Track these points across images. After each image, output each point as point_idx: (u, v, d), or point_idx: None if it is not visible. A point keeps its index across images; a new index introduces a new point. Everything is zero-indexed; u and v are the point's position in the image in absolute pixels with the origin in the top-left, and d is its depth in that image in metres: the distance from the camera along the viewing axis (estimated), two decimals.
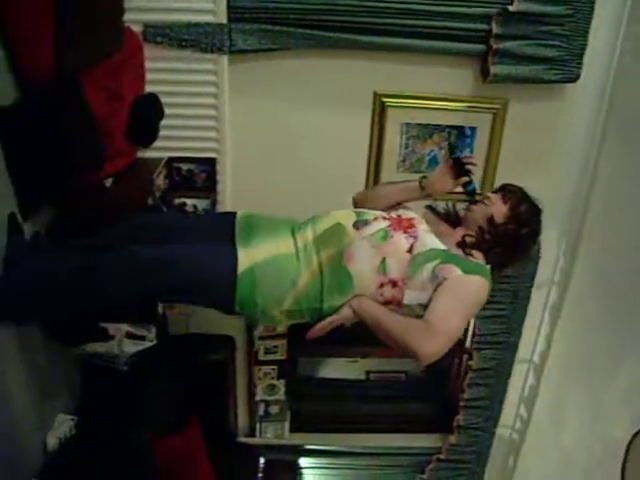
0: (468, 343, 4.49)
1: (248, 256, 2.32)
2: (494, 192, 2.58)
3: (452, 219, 2.67)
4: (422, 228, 2.42)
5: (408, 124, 3.74)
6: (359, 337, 4.50)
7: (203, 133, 3.64)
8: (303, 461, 4.85)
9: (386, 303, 2.33)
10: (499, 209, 2.48)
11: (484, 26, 3.41)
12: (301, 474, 4.86)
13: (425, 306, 2.26)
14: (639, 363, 3.31)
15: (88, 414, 3.50)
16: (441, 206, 2.75)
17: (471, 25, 3.41)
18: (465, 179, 2.51)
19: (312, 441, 4.86)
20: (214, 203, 3.77)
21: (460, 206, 2.67)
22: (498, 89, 3.64)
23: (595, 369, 3.72)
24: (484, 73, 3.55)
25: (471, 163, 2.53)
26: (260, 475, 4.62)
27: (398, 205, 2.67)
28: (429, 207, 2.75)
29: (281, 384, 4.56)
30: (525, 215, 2.48)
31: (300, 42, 3.41)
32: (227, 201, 3.80)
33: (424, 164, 3.84)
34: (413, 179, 2.68)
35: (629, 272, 3.47)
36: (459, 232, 2.53)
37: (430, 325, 2.13)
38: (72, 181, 2.94)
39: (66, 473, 3.10)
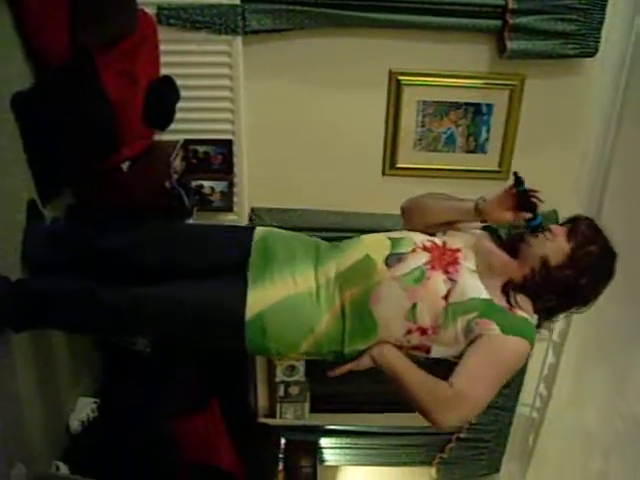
0: None
1: (259, 298, 2.09)
2: (561, 224, 2.18)
3: (512, 246, 2.21)
4: (466, 267, 2.08)
5: (424, 102, 3.72)
6: None
7: (219, 115, 3.63)
8: (323, 441, 4.87)
9: (413, 348, 2.12)
10: (559, 247, 2.08)
11: (500, 1, 3.37)
12: (321, 454, 4.89)
13: (457, 356, 2.05)
14: None
15: (110, 396, 3.52)
16: (503, 230, 2.38)
17: (487, 0, 3.37)
18: (528, 215, 2.08)
19: (332, 421, 4.87)
20: (231, 185, 3.77)
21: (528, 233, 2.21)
22: (515, 65, 3.61)
23: (616, 346, 3.70)
24: (500, 49, 3.52)
25: (538, 198, 2.07)
26: (281, 455, 4.65)
27: (449, 224, 2.29)
28: (487, 228, 2.32)
29: (301, 365, 4.56)
30: (589, 260, 2.07)
31: (314, 21, 3.39)
32: (244, 183, 3.80)
33: (441, 143, 3.82)
34: (469, 199, 2.23)
35: None
36: (512, 268, 2.14)
37: (455, 392, 1.90)
38: (89, 165, 2.96)
39: (89, 456, 3.12)
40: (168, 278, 2.23)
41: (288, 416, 4.76)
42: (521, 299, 2.08)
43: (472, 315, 2.00)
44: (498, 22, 3.42)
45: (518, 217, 2.10)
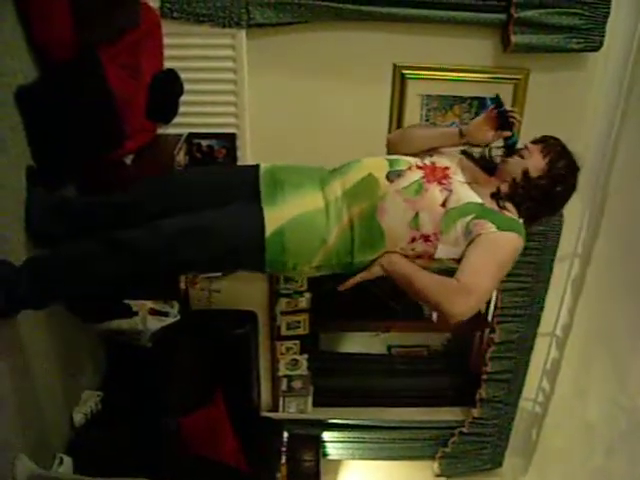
0: (490, 316, 4.48)
1: (275, 217, 2.26)
2: (533, 142, 2.46)
3: (488, 166, 2.53)
4: (457, 179, 2.33)
5: (428, 96, 3.72)
6: (380, 311, 4.56)
7: (222, 108, 3.63)
8: (326, 435, 4.87)
9: (417, 257, 2.32)
10: (536, 162, 2.37)
11: None
12: (324, 448, 4.89)
13: (457, 260, 2.24)
14: None
15: (114, 390, 3.53)
16: (477, 151, 2.62)
17: None
18: (507, 133, 2.40)
19: (335, 415, 4.88)
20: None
21: (496, 152, 2.57)
22: (519, 59, 3.60)
23: (618, 340, 3.70)
24: (505, 43, 3.52)
25: (515, 118, 2.42)
26: (284, 449, 4.66)
27: (432, 150, 2.52)
28: (465, 152, 2.59)
29: (304, 359, 4.57)
30: (562, 171, 2.37)
31: (318, 15, 3.39)
32: None
33: None
34: (452, 128, 2.59)
35: None
36: (494, 182, 2.42)
37: (462, 285, 2.11)
38: (93, 159, 2.96)
39: (93, 449, 3.13)
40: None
41: (291, 410, 4.77)
42: (508, 205, 2.35)
43: (469, 217, 2.22)
44: (502, 16, 3.42)
45: (498, 136, 2.42)
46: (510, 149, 2.44)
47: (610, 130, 3.78)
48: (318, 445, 4.80)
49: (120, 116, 2.86)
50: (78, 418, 3.25)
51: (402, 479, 4.97)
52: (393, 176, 2.30)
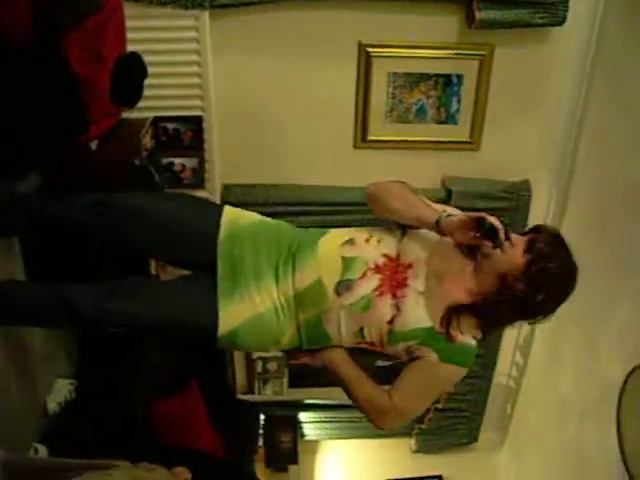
0: None
1: (230, 317, 2.23)
2: (523, 234, 2.14)
3: (471, 252, 2.15)
4: (413, 288, 2.12)
5: (395, 74, 3.70)
6: None
7: (187, 91, 3.61)
8: (303, 416, 4.90)
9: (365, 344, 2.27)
10: (515, 259, 2.02)
11: None
12: (301, 429, 4.92)
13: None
14: (633, 303, 3.33)
15: (86, 378, 3.51)
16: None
17: None
18: (489, 244, 2.00)
19: (311, 396, 4.90)
20: (202, 161, 3.75)
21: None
22: (484, 35, 3.60)
23: (589, 312, 3.73)
24: (469, 19, 3.51)
25: (499, 228, 1.97)
26: (261, 431, 4.67)
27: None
28: None
29: None
30: (544, 277, 2.01)
31: None
32: (215, 159, 3.78)
33: (412, 114, 3.82)
34: (434, 208, 2.19)
35: (621, 213, 3.47)
36: (467, 275, 2.13)
37: (392, 405, 2.15)
38: (58, 145, 2.92)
39: (67, 437, 3.12)
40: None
41: (267, 392, 4.76)
42: (464, 321, 2.10)
43: (413, 342, 2.13)
44: None
45: (478, 242, 2.05)
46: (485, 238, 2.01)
47: (576, 104, 3.80)
48: (295, 426, 4.83)
49: (84, 101, 2.82)
50: (52, 407, 3.24)
51: (380, 457, 5.00)
52: (342, 289, 2.16)
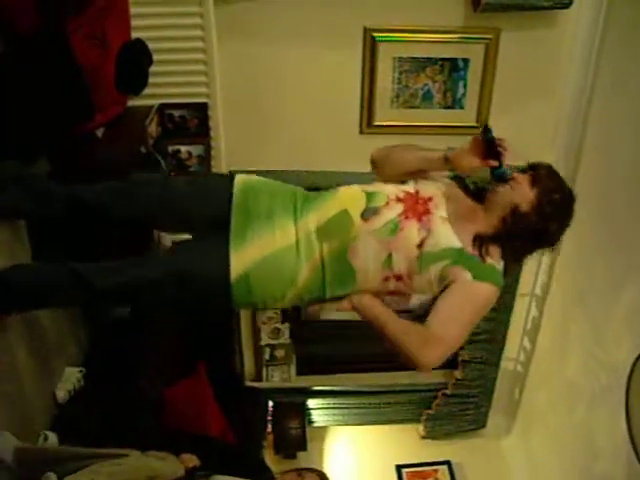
0: None
1: (242, 259, 2.18)
2: (522, 171, 2.26)
3: (479, 194, 2.33)
4: (438, 215, 2.20)
5: (400, 58, 3.68)
6: None
7: (193, 78, 3.59)
8: (311, 402, 4.90)
9: (390, 293, 2.25)
10: (525, 194, 2.17)
11: None
12: (309, 415, 4.92)
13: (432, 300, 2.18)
14: (638, 286, 3.32)
15: (96, 365, 3.52)
16: (469, 180, 2.45)
17: None
18: (494, 162, 2.17)
19: (319, 383, 4.92)
20: (208, 148, 3.75)
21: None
22: (490, 19, 3.58)
23: (596, 296, 3.73)
24: (475, 3, 3.49)
25: (504, 147, 2.16)
26: (269, 418, 4.68)
27: (418, 173, 2.36)
28: (455, 177, 2.42)
29: (285, 328, 4.58)
30: (554, 205, 2.17)
31: None
32: (221, 146, 3.77)
33: (418, 99, 3.80)
34: (439, 148, 2.34)
35: (626, 197, 3.46)
36: (481, 214, 2.25)
37: (431, 334, 2.06)
38: (64, 133, 2.92)
39: (77, 424, 3.13)
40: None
41: (275, 379, 4.78)
42: (491, 248, 2.19)
43: (445, 262, 2.12)
44: None
45: (484, 164, 2.20)
46: (497, 180, 2.23)
47: (583, 87, 3.77)
48: (303, 413, 4.83)
49: (89, 88, 2.82)
50: (61, 394, 3.24)
51: (388, 443, 5.01)
52: (368, 214, 2.19)
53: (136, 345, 3.58)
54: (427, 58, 3.70)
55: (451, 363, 4.79)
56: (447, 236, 2.16)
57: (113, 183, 2.45)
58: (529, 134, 3.90)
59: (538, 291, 4.51)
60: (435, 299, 2.17)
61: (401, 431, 5.02)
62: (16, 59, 2.65)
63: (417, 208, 2.20)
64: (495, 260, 2.19)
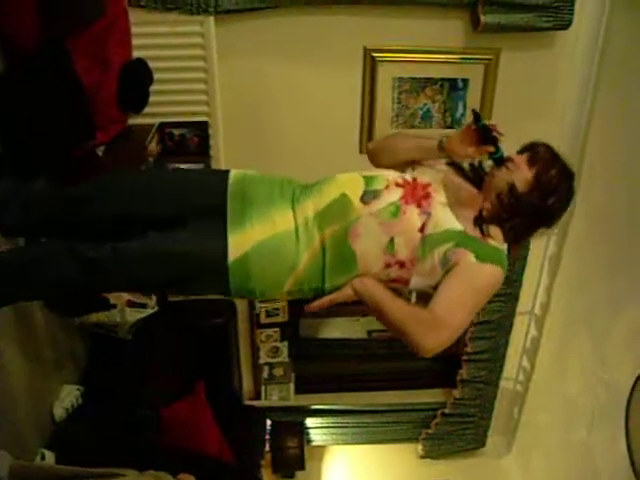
0: None
1: (240, 242, 2.12)
2: (520, 152, 2.22)
3: (477, 178, 2.31)
4: (438, 200, 2.16)
5: (400, 78, 3.70)
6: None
7: (193, 97, 3.60)
8: (309, 421, 4.89)
9: (392, 281, 2.19)
10: (523, 175, 2.13)
11: None
12: (308, 434, 4.91)
13: (434, 287, 2.12)
14: (639, 306, 3.32)
15: (94, 383, 3.52)
16: (466, 162, 2.40)
17: None
18: (490, 148, 2.14)
19: (317, 402, 4.90)
20: (208, 167, 3.74)
21: (487, 163, 2.31)
22: (489, 39, 3.59)
23: (596, 316, 3.73)
24: (475, 23, 3.51)
25: (498, 132, 2.12)
26: (267, 437, 4.66)
27: (415, 161, 2.34)
28: (452, 164, 2.38)
29: (284, 346, 4.57)
30: (553, 181, 2.14)
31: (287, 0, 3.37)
32: (221, 164, 3.76)
33: (417, 119, 3.82)
34: (433, 137, 2.32)
35: (627, 217, 3.46)
36: (479, 199, 2.22)
37: (435, 317, 2.00)
38: (64, 151, 2.92)
39: (75, 443, 3.12)
40: (142, 228, 2.22)
41: (273, 397, 4.78)
42: (492, 229, 2.16)
43: (448, 245, 2.08)
44: None
45: (481, 151, 2.17)
46: (497, 163, 2.19)
47: (582, 108, 3.79)
48: (302, 432, 4.81)
49: (90, 107, 2.83)
50: (59, 413, 3.24)
51: (387, 462, 4.99)
52: (368, 197, 2.14)
53: (135, 364, 3.57)
54: (427, 78, 3.72)
55: (450, 382, 4.79)
56: (448, 219, 2.13)
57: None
58: None
59: (537, 310, 4.51)
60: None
61: (400, 450, 5.00)
62: (18, 78, 2.66)
63: (416, 193, 2.17)
64: (498, 242, 2.17)
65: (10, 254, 2.43)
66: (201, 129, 3.68)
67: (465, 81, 3.74)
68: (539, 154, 2.18)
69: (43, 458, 2.95)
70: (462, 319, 2.06)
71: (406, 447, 5.02)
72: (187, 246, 2.15)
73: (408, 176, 2.25)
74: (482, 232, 2.15)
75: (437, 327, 2.00)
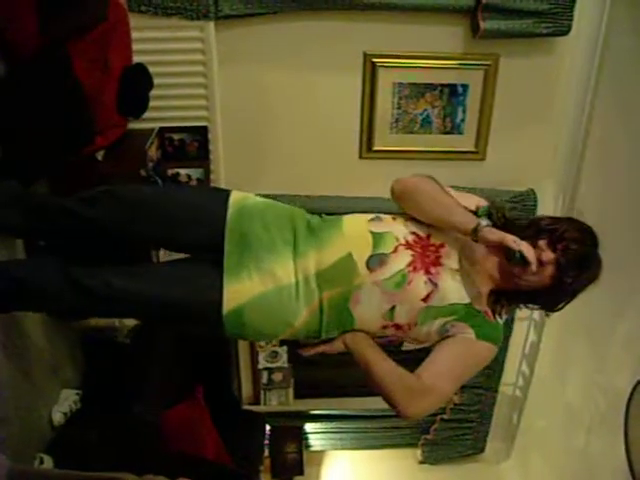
0: None
1: (236, 293, 2.04)
2: (550, 230, 2.08)
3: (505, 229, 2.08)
4: (449, 267, 2.06)
5: (400, 84, 3.71)
6: None
7: (193, 102, 3.61)
8: (308, 426, 4.88)
9: (385, 337, 2.15)
10: (543, 280, 2.01)
11: None
12: (307, 439, 4.90)
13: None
14: (639, 312, 3.32)
15: (92, 388, 3.51)
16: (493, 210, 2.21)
17: None
18: (520, 271, 1.98)
19: (316, 406, 4.90)
20: (207, 172, 3.75)
21: (514, 213, 2.18)
22: (489, 45, 3.61)
23: (595, 321, 3.72)
24: (474, 29, 3.52)
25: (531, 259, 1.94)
26: (266, 442, 4.66)
27: None
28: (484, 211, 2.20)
29: (283, 351, 4.56)
30: (576, 288, 2.09)
31: (286, 5, 3.38)
32: (220, 169, 3.78)
33: (417, 124, 3.82)
34: (469, 218, 2.05)
35: (627, 222, 3.46)
36: (496, 269, 2.07)
37: (422, 385, 1.96)
38: (64, 155, 2.93)
39: (73, 447, 3.11)
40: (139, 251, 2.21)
41: (272, 402, 4.76)
42: (505, 303, 2.10)
43: (449, 318, 2.03)
44: (471, 2, 3.42)
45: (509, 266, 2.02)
46: (522, 263, 1.96)
47: (581, 113, 3.79)
48: (301, 437, 4.81)
49: (90, 111, 2.84)
50: (57, 417, 3.23)
51: (385, 468, 4.98)
52: (374, 264, 2.03)
53: (134, 368, 3.57)
54: (427, 84, 3.73)
55: None
56: (455, 291, 2.04)
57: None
58: (528, 159, 3.93)
59: (536, 316, 4.50)
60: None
61: (399, 456, 4.99)
62: (18, 81, 2.66)
63: (426, 257, 2.06)
64: (504, 313, 2.12)
65: (9, 267, 2.38)
66: (201, 134, 3.69)
67: (465, 87, 3.75)
68: (569, 256, 2.03)
69: (42, 462, 2.94)
70: (449, 390, 2.04)
71: (405, 452, 5.00)
72: (181, 295, 2.09)
73: (422, 232, 2.12)
74: (493, 308, 2.08)
75: (422, 395, 1.96)
